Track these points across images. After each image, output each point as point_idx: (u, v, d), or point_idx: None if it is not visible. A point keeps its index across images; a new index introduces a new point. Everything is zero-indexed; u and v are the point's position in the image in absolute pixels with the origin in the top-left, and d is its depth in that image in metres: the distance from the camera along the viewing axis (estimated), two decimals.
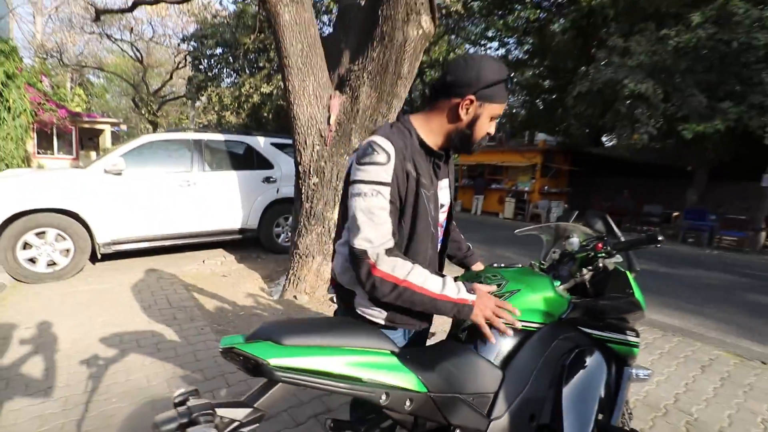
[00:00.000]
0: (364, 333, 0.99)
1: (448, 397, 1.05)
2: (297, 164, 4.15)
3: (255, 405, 0.87)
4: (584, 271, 1.47)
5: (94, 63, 23.89)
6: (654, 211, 11.28)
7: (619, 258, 1.61)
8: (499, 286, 1.31)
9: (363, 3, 4.86)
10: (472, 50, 15.61)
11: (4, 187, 4.20)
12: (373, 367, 0.92)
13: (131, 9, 7.78)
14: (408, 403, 0.95)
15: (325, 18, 13.91)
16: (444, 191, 1.30)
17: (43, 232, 4.35)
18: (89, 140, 16.56)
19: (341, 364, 0.88)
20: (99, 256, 4.76)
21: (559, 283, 1.43)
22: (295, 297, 3.93)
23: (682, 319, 4.20)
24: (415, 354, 1.07)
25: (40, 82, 13.43)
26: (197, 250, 5.83)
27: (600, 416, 1.32)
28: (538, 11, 11.82)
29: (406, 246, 1.17)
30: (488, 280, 1.36)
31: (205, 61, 16.71)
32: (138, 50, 20.88)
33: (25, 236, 4.25)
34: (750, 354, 3.38)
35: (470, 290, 1.13)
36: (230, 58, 16.06)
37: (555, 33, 11.96)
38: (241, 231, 5.66)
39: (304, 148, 4.04)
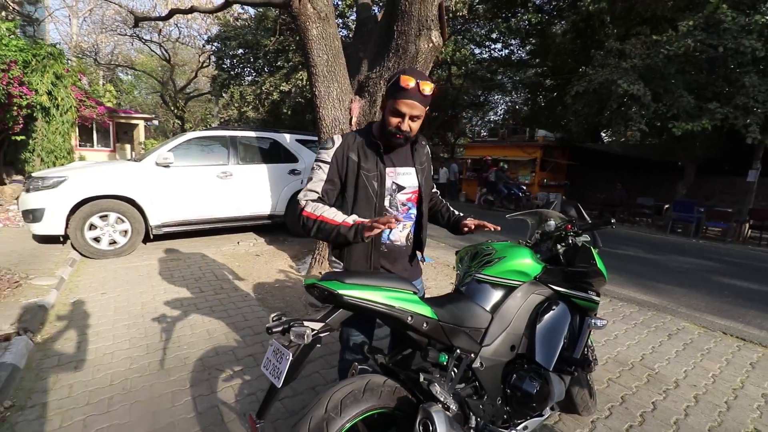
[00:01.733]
0: (395, 279, 1.38)
1: (452, 327, 1.44)
2: None
3: (326, 321, 1.27)
4: (558, 246, 1.84)
5: (125, 62, 24.39)
6: (646, 203, 11.49)
7: (587, 237, 1.98)
8: (490, 254, 1.69)
9: (380, 18, 5.17)
10: (477, 51, 15.74)
11: (74, 177, 4.66)
12: (402, 300, 1.31)
13: (168, 17, 8.11)
14: (425, 325, 1.35)
15: (338, 21, 14.12)
16: (406, 176, 1.59)
17: (106, 216, 4.82)
18: (124, 134, 17.11)
19: (382, 296, 1.27)
20: (151, 237, 5.23)
21: (539, 255, 1.81)
22: (320, 273, 4.35)
23: (658, 296, 4.54)
24: (427, 299, 1.47)
25: (80, 80, 13.93)
26: (231, 233, 6.29)
27: (566, 352, 1.71)
28: (540, 15, 11.93)
29: (351, 208, 1.53)
30: (482, 251, 1.74)
31: (228, 60, 17.08)
32: (165, 50, 21.31)
33: (91, 219, 4.72)
34: (713, 326, 3.71)
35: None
36: (251, 58, 16.41)
37: (556, 35, 12.07)
38: (270, 217, 6.08)
39: None
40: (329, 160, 1.51)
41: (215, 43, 16.93)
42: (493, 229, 1.62)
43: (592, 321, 1.79)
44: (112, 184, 4.82)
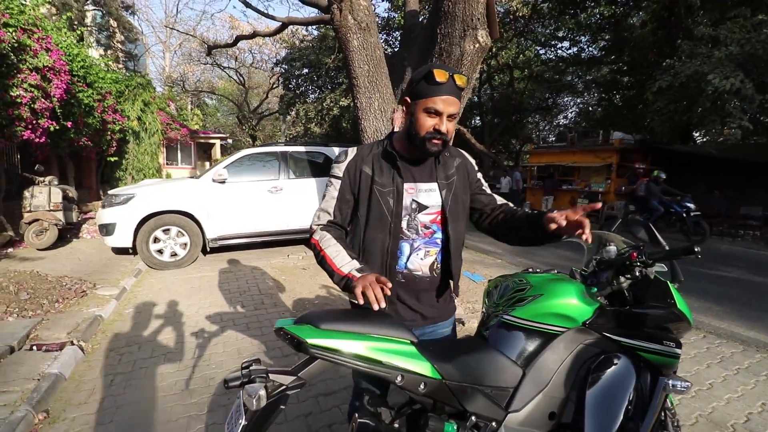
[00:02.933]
0: (387, 324, 1.10)
1: (465, 387, 1.12)
2: None
3: (299, 374, 1.03)
4: (621, 279, 1.42)
5: (208, 87, 26.97)
6: (752, 214, 9.67)
7: (663, 267, 1.52)
8: (523, 290, 1.33)
9: (425, 23, 4.94)
10: (542, 52, 14.75)
11: (141, 194, 5.03)
12: (392, 353, 1.03)
13: (234, 44, 8.73)
14: (422, 386, 1.05)
15: (397, 34, 14.16)
16: (428, 194, 1.33)
17: (168, 229, 5.13)
18: (204, 152, 18.74)
19: (365, 348, 1.01)
20: (208, 249, 5.46)
21: (596, 290, 1.40)
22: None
23: None
24: (433, 345, 1.16)
25: (168, 106, 15.57)
26: (283, 246, 6.38)
27: (630, 423, 1.28)
28: (613, 7, 10.78)
29: (363, 230, 1.31)
30: (515, 284, 1.39)
31: (294, 80, 17.99)
32: (241, 75, 23.15)
33: (155, 232, 5.04)
34: None
35: (364, 271, 1.16)
36: (314, 76, 17.11)
37: (633, 27, 10.81)
38: None
39: None
40: (341, 175, 1.32)
41: (283, 65, 17.96)
42: (586, 240, 1.15)
43: (669, 382, 1.34)
44: (174, 200, 5.12)
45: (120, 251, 5.61)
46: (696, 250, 1.26)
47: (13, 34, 4.39)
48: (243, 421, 0.95)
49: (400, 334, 1.09)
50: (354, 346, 1.00)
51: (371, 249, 1.30)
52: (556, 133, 21.27)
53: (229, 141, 21.47)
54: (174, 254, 5.18)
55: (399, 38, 12.89)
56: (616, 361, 1.28)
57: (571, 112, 22.56)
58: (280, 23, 7.48)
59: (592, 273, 1.57)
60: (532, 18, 12.52)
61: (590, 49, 14.43)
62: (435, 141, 1.23)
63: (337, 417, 2.18)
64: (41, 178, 5.65)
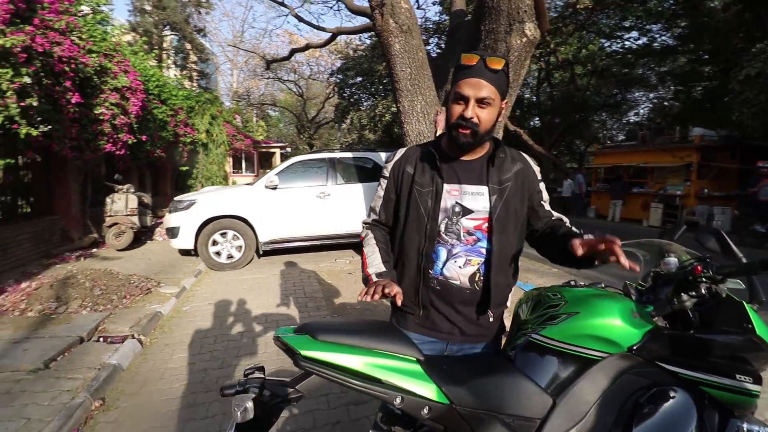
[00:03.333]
0: (393, 338, 1.01)
1: (482, 414, 0.99)
2: None
3: (296, 387, 0.97)
4: (684, 297, 1.19)
5: (271, 100, 28.63)
6: None
7: (740, 284, 1.26)
8: (556, 306, 1.17)
9: (470, 21, 4.76)
10: (607, 44, 13.62)
11: (201, 200, 5.39)
12: (392, 370, 0.93)
13: (289, 57, 9.17)
14: (426, 410, 0.93)
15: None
16: (476, 197, 1.20)
17: (225, 233, 5.43)
18: (265, 161, 19.87)
19: (362, 364, 0.92)
20: (261, 252, 5.70)
21: (651, 308, 1.19)
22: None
23: None
24: (444, 365, 1.04)
25: (234, 119, 16.75)
26: (331, 250, 6.48)
27: None
28: None
29: (402, 229, 1.28)
30: (549, 299, 1.22)
31: (348, 89, 18.44)
32: (299, 87, 24.27)
33: (213, 235, 5.37)
34: None
35: (391, 278, 1.19)
36: (367, 84, 17.39)
37: (714, 11, 9.58)
38: None
39: None
40: (388, 175, 1.33)
41: (338, 75, 18.50)
42: (629, 267, 0.98)
43: (744, 426, 1.08)
44: (230, 205, 5.43)
45: (184, 252, 6.06)
46: None
47: (96, 59, 4.95)
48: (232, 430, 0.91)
49: (404, 350, 0.99)
50: (350, 360, 0.92)
51: (407, 250, 1.26)
52: (627, 131, 19.53)
53: (288, 149, 22.55)
54: (230, 256, 5.48)
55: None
56: (672, 395, 1.06)
57: (644, 108, 20.58)
58: (330, 34, 7.70)
59: (651, 289, 1.34)
60: (595, 9, 11.63)
61: (663, 38, 13.05)
62: (462, 130, 1.13)
63: (365, 428, 2.11)
64: (120, 186, 6.30)
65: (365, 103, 18.93)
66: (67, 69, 4.45)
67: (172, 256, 6.02)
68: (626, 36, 13.20)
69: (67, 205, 5.89)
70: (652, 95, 18.89)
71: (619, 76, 14.63)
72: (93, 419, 2.20)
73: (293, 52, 8.65)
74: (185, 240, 5.31)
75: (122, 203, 6.13)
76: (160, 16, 17.32)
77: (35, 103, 3.87)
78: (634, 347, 1.06)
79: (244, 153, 16.93)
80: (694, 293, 1.18)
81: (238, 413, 0.88)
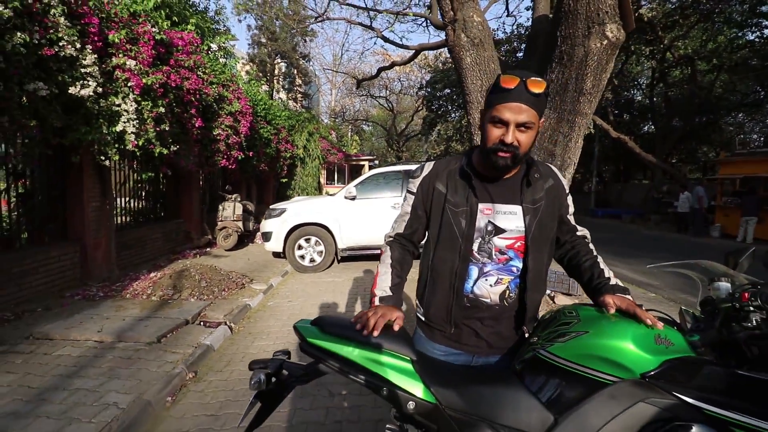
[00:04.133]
0: (391, 338, 1.08)
1: (473, 419, 1.01)
2: None
3: (308, 370, 1.11)
4: (736, 327, 1.05)
5: (364, 116, 30.31)
6: None
7: None
8: (568, 324, 1.12)
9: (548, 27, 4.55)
10: (740, 35, 11.46)
11: (290, 209, 6.02)
12: (384, 365, 1.01)
13: (376, 75, 9.70)
14: (411, 405, 0.99)
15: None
16: (508, 217, 1.20)
17: (309, 239, 5.96)
18: (356, 173, 21.04)
19: (358, 356, 1.02)
20: (339, 258, 6.11)
21: (697, 337, 1.08)
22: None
23: None
24: (436, 368, 1.08)
25: (330, 135, 18.17)
26: None
27: None
28: None
29: (434, 248, 1.25)
30: (563, 316, 1.18)
31: (436, 102, 18.62)
32: (390, 102, 25.28)
33: (299, 240, 5.93)
34: None
35: (394, 303, 1.20)
36: (455, 96, 17.35)
37: None
38: None
39: None
40: (415, 191, 1.30)
41: (426, 89, 18.84)
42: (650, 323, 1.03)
43: None
44: (315, 214, 5.96)
45: (276, 255, 6.78)
46: None
47: (216, 89, 5.93)
48: (251, 399, 1.09)
49: (400, 349, 1.06)
50: (348, 351, 1.03)
51: (440, 269, 1.24)
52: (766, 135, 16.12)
53: (376, 162, 23.55)
54: (312, 260, 5.98)
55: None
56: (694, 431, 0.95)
57: None
58: (414, 51, 7.97)
59: (705, 317, 1.20)
60: None
61: None
62: (501, 154, 1.11)
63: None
64: (229, 196, 7.34)
65: (453, 115, 18.88)
66: (192, 99, 5.43)
67: (267, 258, 6.78)
68: (765, 23, 10.96)
69: (189, 211, 7.07)
70: None
71: (758, 69, 12.16)
72: (186, 387, 2.64)
73: (380, 70, 9.15)
74: (276, 244, 5.97)
75: (230, 210, 7.14)
76: (273, 47, 19.74)
77: (167, 128, 4.80)
78: (648, 374, 0.98)
79: (336, 166, 18.21)
80: (749, 324, 1.04)
81: (252, 383, 1.05)
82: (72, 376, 2.54)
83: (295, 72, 21.73)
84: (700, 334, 1.09)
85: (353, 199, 5.95)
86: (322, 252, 5.97)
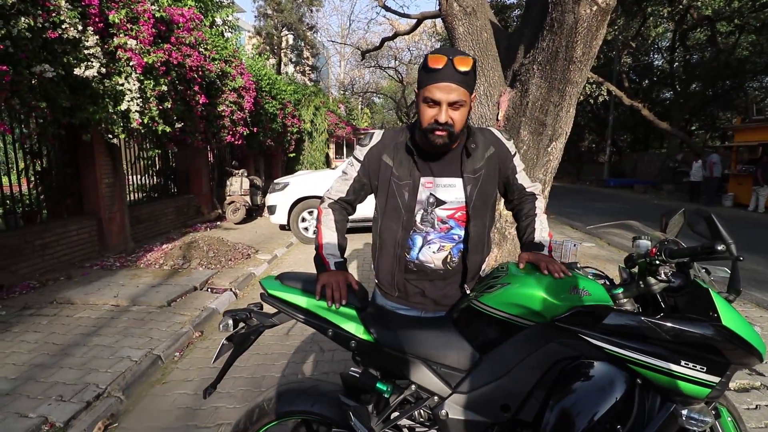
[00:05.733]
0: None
1: (410, 357, 1.17)
2: None
3: (273, 318, 1.29)
4: (652, 281, 1.17)
5: (375, 88, 29.79)
6: None
7: (726, 271, 1.19)
8: (497, 277, 1.26)
9: None
10: None
11: (293, 182, 6.19)
12: (331, 311, 1.18)
13: (380, 46, 9.52)
14: (353, 343, 1.16)
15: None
16: (448, 189, 1.29)
17: (312, 211, 6.14)
18: None
19: (308, 303, 1.19)
20: None
21: (621, 290, 1.21)
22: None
23: None
24: (383, 315, 1.25)
25: (339, 108, 18.03)
26: None
27: None
28: None
29: (381, 218, 1.35)
30: (496, 272, 1.31)
31: None
32: (399, 72, 24.71)
33: (302, 213, 6.13)
34: None
35: (340, 267, 1.25)
36: None
37: None
38: None
39: None
40: (362, 159, 1.33)
41: None
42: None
43: (684, 413, 1.05)
44: (316, 187, 6.11)
45: (282, 227, 7.02)
46: (719, 248, 0.97)
47: (218, 65, 5.99)
48: (223, 341, 1.27)
49: (348, 297, 1.22)
50: (301, 300, 1.20)
51: (385, 237, 1.34)
52: None
53: None
54: (316, 232, 6.18)
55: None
56: (595, 367, 1.10)
57: None
58: (416, 20, 7.80)
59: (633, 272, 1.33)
60: None
61: None
62: (438, 132, 1.16)
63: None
64: (237, 171, 7.54)
65: None
66: (195, 76, 5.53)
67: (273, 230, 7.03)
68: None
69: (199, 186, 7.32)
70: None
71: None
72: (192, 345, 2.91)
73: (383, 41, 8.98)
74: (280, 216, 6.18)
75: (238, 185, 7.36)
76: (279, 18, 19.39)
77: (170, 106, 4.93)
78: (559, 318, 1.11)
79: (345, 139, 18.18)
80: (659, 277, 1.16)
81: (220, 326, 1.23)
82: (91, 334, 2.83)
83: (303, 44, 21.40)
84: (625, 287, 1.22)
85: None
86: None
